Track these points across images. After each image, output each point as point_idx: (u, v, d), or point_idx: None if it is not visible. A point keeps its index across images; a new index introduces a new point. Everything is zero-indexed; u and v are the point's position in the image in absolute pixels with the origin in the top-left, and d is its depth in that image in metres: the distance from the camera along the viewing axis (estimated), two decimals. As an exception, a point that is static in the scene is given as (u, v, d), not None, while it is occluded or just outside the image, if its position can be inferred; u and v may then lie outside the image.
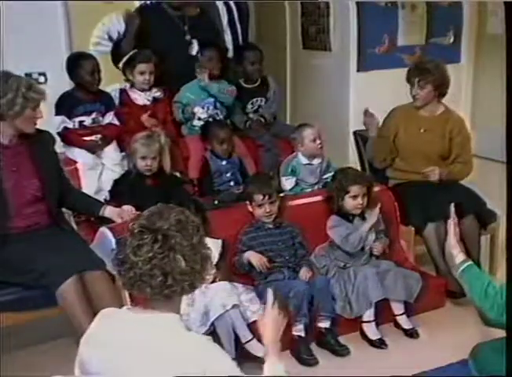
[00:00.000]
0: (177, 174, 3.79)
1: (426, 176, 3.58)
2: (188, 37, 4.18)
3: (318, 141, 3.68)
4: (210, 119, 4.03)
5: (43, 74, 4.28)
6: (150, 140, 3.43)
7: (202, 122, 4.03)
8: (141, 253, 1.62)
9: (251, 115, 4.30)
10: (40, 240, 2.84)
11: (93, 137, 3.75)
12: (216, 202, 3.48)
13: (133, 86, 3.92)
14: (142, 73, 3.85)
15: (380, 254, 3.34)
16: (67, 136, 3.71)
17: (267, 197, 3.18)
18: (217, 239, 3.08)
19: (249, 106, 4.30)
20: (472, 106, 6.14)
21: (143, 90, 3.90)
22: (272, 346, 1.90)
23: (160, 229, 1.63)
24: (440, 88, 3.64)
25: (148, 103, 3.92)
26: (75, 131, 3.72)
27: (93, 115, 3.78)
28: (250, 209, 3.24)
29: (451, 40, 5.88)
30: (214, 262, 2.96)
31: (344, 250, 3.24)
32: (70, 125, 3.71)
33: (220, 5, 4.47)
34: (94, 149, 3.75)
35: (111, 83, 4.00)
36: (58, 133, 3.68)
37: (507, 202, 2.12)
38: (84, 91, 3.75)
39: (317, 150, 3.70)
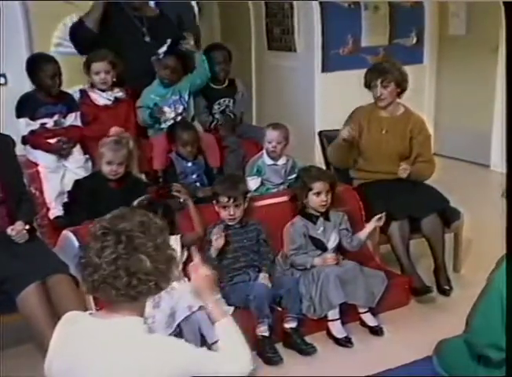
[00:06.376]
0: (142, 177, 3.76)
1: (397, 173, 3.59)
2: (147, 38, 4.13)
3: (273, 143, 3.66)
4: (179, 118, 4.00)
5: (3, 75, 4.20)
6: (118, 145, 3.38)
7: (169, 123, 3.99)
8: (105, 254, 1.60)
9: (217, 116, 4.28)
10: (1, 246, 2.78)
11: (55, 140, 3.69)
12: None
13: (93, 86, 3.87)
14: (97, 73, 3.80)
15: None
16: (33, 139, 3.64)
17: (232, 200, 3.15)
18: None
19: (215, 106, 4.27)
20: (435, 106, 6.25)
21: (103, 90, 3.86)
22: (215, 304, 1.91)
23: (123, 230, 1.62)
24: (402, 84, 3.69)
25: (109, 103, 3.86)
26: (41, 134, 3.66)
27: (55, 117, 3.72)
28: (217, 209, 3.22)
29: (414, 41, 5.97)
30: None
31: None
32: (35, 127, 3.65)
33: None
34: (62, 153, 3.69)
35: (73, 84, 3.94)
36: (23, 137, 3.62)
37: (508, 205, 2.16)
38: (45, 93, 3.68)
39: (272, 152, 3.69)
